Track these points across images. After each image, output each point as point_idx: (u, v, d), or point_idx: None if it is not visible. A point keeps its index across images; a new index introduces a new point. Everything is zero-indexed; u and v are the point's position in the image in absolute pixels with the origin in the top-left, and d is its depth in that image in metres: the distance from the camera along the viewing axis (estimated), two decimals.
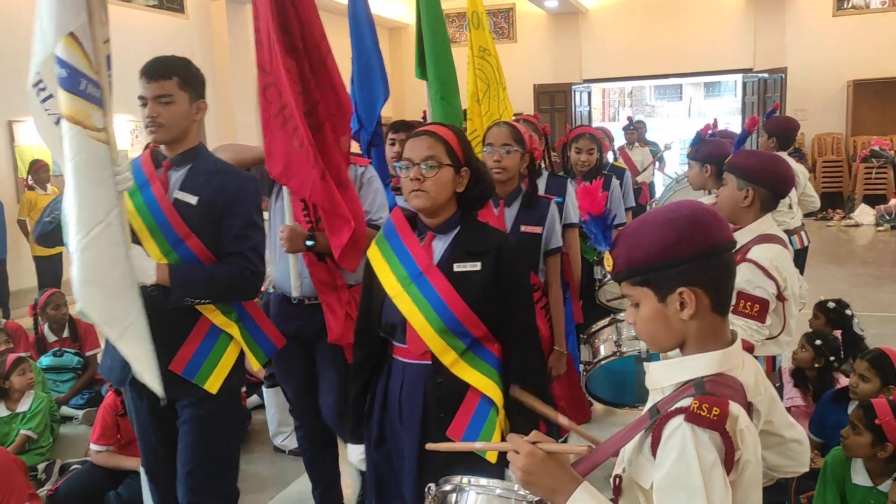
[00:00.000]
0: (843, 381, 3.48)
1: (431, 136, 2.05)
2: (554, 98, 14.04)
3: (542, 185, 3.22)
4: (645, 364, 1.43)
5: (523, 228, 2.85)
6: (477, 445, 1.65)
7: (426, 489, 1.62)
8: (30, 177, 7.63)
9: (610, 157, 5.42)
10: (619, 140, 9.49)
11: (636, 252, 1.35)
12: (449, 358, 2.03)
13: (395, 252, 2.12)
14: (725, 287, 1.36)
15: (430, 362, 2.05)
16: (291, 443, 4.08)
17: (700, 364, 1.33)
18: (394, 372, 2.14)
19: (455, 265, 2.06)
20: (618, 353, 2.81)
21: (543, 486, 1.34)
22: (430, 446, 1.60)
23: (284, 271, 2.88)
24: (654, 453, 1.28)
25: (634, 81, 18.98)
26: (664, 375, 1.38)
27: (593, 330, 3.08)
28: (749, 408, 1.31)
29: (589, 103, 14.69)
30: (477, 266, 2.06)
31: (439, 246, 2.11)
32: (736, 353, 1.36)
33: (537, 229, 2.86)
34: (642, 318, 1.38)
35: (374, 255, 2.16)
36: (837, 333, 4.01)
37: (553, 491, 1.33)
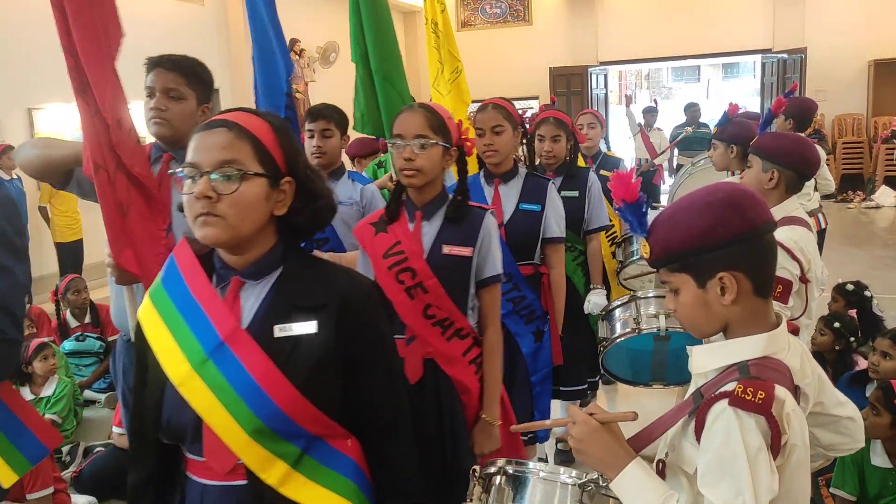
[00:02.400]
0: (862, 363, 3.46)
1: (229, 130, 1.37)
2: (570, 81, 13.94)
3: (514, 187, 2.89)
4: (688, 348, 1.42)
5: (446, 250, 2.16)
6: (547, 423, 1.93)
7: (471, 470, 1.61)
8: None
9: (602, 146, 4.92)
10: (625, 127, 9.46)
11: (674, 238, 1.34)
12: (275, 473, 1.34)
13: (179, 310, 1.39)
14: (767, 269, 1.34)
15: (244, 482, 1.35)
16: None
17: (745, 347, 1.32)
18: (188, 499, 1.42)
19: (276, 327, 1.37)
20: (636, 331, 2.81)
21: (595, 458, 1.35)
22: (513, 428, 1.60)
23: (120, 308, 2.33)
24: (697, 438, 1.27)
25: (651, 63, 18.81)
26: (708, 359, 1.37)
27: (612, 307, 3.08)
28: (796, 391, 1.29)
29: (605, 86, 14.57)
30: (310, 328, 1.38)
31: (250, 299, 1.41)
32: (781, 335, 1.34)
33: (465, 251, 2.16)
34: (682, 304, 1.36)
35: (148, 316, 1.42)
36: (852, 313, 3.98)
37: (604, 463, 1.34)
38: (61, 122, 8.22)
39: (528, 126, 3.19)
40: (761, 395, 1.20)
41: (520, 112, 3.00)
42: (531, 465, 1.55)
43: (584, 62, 13.90)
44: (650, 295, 2.92)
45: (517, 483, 1.53)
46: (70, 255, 7.50)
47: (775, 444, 1.21)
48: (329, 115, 2.95)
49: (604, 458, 1.34)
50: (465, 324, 2.17)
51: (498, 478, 1.56)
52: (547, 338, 2.91)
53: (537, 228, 2.86)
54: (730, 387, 1.24)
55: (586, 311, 3.38)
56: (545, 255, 2.94)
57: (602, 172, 4.07)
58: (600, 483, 1.41)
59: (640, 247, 3.74)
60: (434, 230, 2.19)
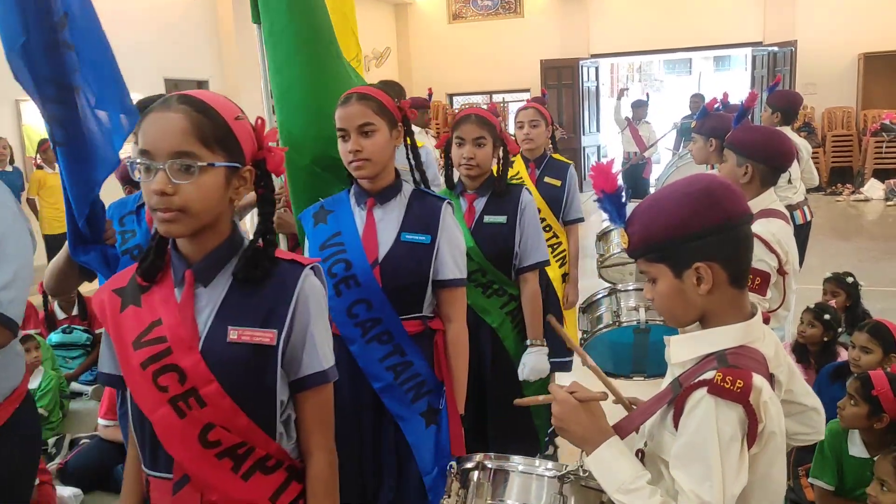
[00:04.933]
0: (844, 355, 3.49)
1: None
2: (561, 73, 13.92)
3: (395, 210, 2.15)
4: (666, 338, 1.44)
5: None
6: (541, 398, 1.51)
7: (448, 467, 1.61)
8: (38, 156, 7.66)
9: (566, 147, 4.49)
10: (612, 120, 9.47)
11: (651, 228, 1.36)
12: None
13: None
14: (743, 260, 1.36)
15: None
16: None
17: (722, 337, 1.34)
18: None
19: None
20: (616, 323, 2.82)
21: (574, 434, 1.39)
22: (517, 402, 1.57)
23: None
24: (676, 426, 1.29)
25: (643, 56, 18.81)
26: (685, 349, 1.39)
27: (593, 300, 3.09)
28: (771, 379, 1.31)
29: (597, 79, 14.56)
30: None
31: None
32: (757, 325, 1.36)
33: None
34: (660, 294, 1.38)
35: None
36: (835, 304, 4.01)
37: (583, 439, 1.37)
38: None
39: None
40: (740, 383, 1.22)
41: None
42: (509, 458, 1.56)
43: (575, 55, 13.89)
44: (630, 287, 2.94)
45: (495, 477, 1.53)
46: (58, 247, 7.43)
47: (752, 432, 1.24)
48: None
49: (583, 435, 1.37)
50: (272, 448, 1.40)
51: (476, 473, 1.56)
52: (444, 418, 2.17)
53: (426, 267, 2.09)
54: (709, 375, 1.26)
55: (521, 378, 2.71)
56: (439, 304, 2.17)
57: (547, 180, 3.64)
58: (580, 474, 1.42)
59: (620, 238, 3.75)
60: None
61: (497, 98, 14.70)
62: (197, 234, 1.35)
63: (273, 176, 1.46)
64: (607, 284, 3.50)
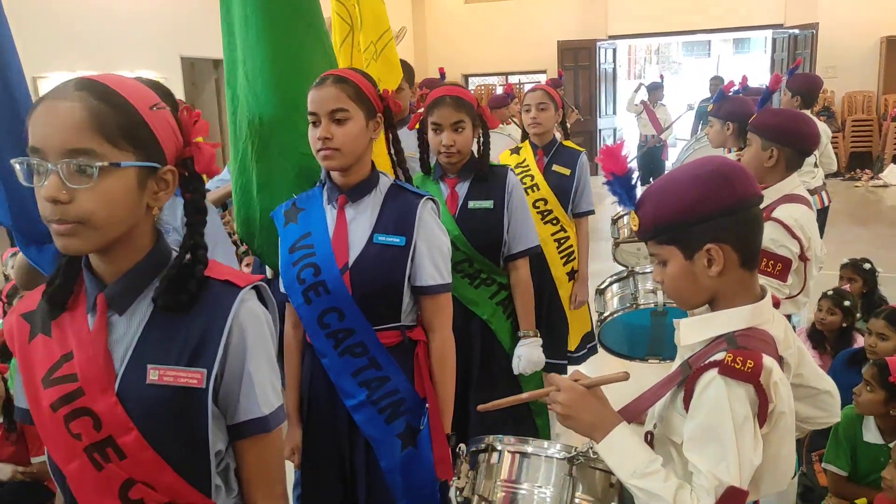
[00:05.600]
0: (861, 341, 3.46)
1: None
2: (578, 55, 13.78)
3: (367, 209, 1.95)
4: (675, 321, 1.44)
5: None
6: (524, 396, 1.54)
7: (457, 449, 1.63)
8: None
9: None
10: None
11: (662, 210, 1.35)
12: None
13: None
14: (753, 242, 1.36)
15: None
16: None
17: (731, 319, 1.34)
18: None
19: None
20: (633, 306, 2.81)
21: (582, 422, 1.37)
22: (480, 407, 1.52)
23: None
24: (686, 407, 1.30)
25: (662, 38, 18.60)
26: (695, 331, 1.39)
27: (609, 282, 3.06)
28: (780, 361, 1.32)
29: (614, 60, 14.41)
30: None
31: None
32: (766, 307, 1.37)
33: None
34: (670, 276, 1.38)
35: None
36: (851, 289, 3.97)
37: (592, 426, 1.36)
38: None
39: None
40: (750, 364, 1.22)
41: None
42: (519, 441, 1.56)
43: (592, 36, 13.74)
44: (647, 270, 2.92)
45: (506, 459, 1.54)
46: None
47: (762, 413, 1.24)
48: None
49: (592, 422, 1.36)
50: None
51: (485, 455, 1.56)
52: (425, 440, 1.94)
53: (400, 272, 1.90)
54: (719, 356, 1.26)
55: (516, 372, 2.56)
56: (421, 312, 2.00)
57: (556, 168, 3.46)
58: (590, 455, 1.42)
59: (631, 220, 3.69)
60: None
61: (513, 79, 14.60)
62: (107, 250, 1.12)
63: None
64: (621, 268, 3.48)
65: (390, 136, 2.07)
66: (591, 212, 3.50)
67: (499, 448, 1.53)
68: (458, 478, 1.55)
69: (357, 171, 1.92)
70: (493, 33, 14.19)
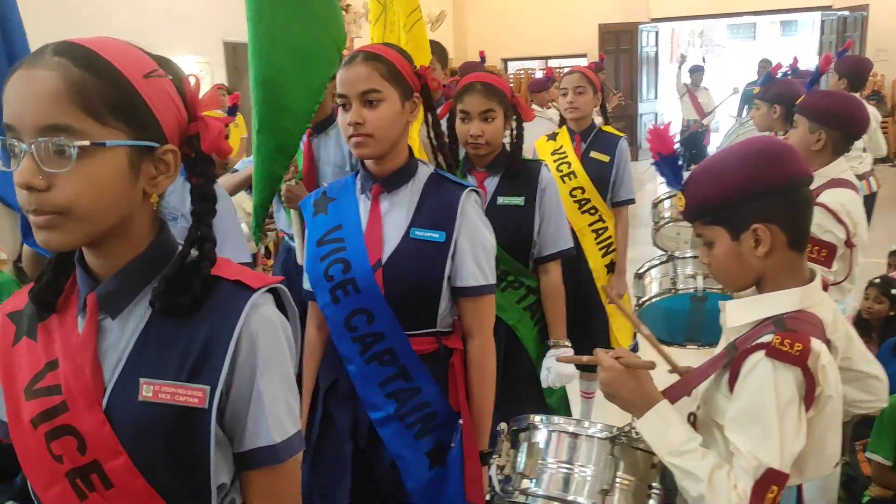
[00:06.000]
0: None
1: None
2: (620, 38, 13.60)
3: (404, 201, 1.78)
4: (721, 303, 1.43)
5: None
6: (585, 359, 1.52)
7: (497, 428, 1.63)
8: None
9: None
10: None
11: (708, 190, 1.35)
12: None
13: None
14: (802, 223, 1.35)
15: None
16: None
17: (779, 301, 1.33)
18: None
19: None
20: (672, 291, 2.78)
21: (623, 400, 1.40)
22: (560, 358, 1.68)
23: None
24: (731, 389, 1.30)
25: (706, 20, 18.23)
26: (742, 313, 1.38)
27: (647, 267, 3.05)
28: (828, 345, 1.31)
29: (656, 44, 14.20)
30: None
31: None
32: (816, 289, 1.35)
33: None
34: (716, 257, 1.37)
35: None
36: (894, 275, 3.89)
37: (632, 404, 1.38)
38: None
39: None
40: (798, 346, 1.22)
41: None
42: (560, 419, 1.57)
43: (634, 19, 13.54)
44: (687, 255, 2.90)
45: (546, 438, 1.55)
46: None
47: (809, 396, 1.24)
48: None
49: (632, 400, 1.38)
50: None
51: (527, 433, 1.58)
52: (456, 459, 1.75)
53: (439, 271, 1.73)
54: (766, 338, 1.26)
55: (544, 385, 2.38)
56: (460, 316, 1.82)
57: (594, 155, 3.30)
58: (632, 435, 1.43)
59: (676, 201, 3.64)
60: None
61: (553, 63, 14.48)
62: (98, 244, 0.97)
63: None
64: (661, 252, 3.45)
65: (429, 118, 1.90)
66: (632, 200, 3.36)
67: (540, 427, 1.55)
68: (499, 456, 1.57)
69: (392, 158, 1.74)
70: (533, 17, 14.07)
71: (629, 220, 3.39)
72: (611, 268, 3.32)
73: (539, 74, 13.32)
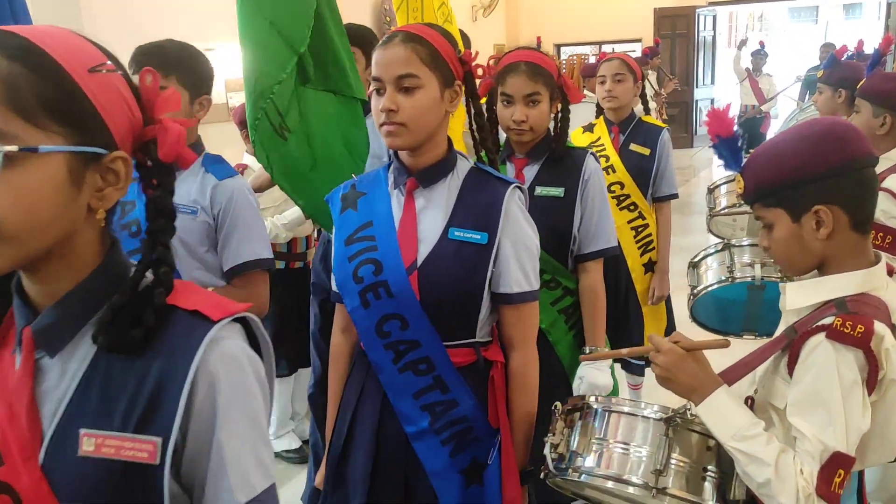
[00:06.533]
0: None
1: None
2: (676, 22, 13.34)
3: (441, 197, 1.63)
4: (781, 285, 1.42)
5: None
6: (624, 352, 1.61)
7: (553, 407, 1.62)
8: None
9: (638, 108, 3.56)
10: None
11: (768, 171, 1.34)
12: None
13: None
14: (866, 204, 1.33)
15: None
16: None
17: (841, 283, 1.31)
18: None
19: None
20: (729, 279, 2.74)
21: (681, 384, 1.38)
22: (583, 357, 1.69)
23: None
24: (790, 372, 1.28)
25: (766, 3, 17.75)
26: (802, 295, 1.37)
27: (702, 256, 3.01)
28: (893, 329, 1.29)
29: (714, 28, 13.89)
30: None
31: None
32: (880, 272, 1.33)
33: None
34: (776, 240, 1.36)
35: None
36: None
37: (691, 389, 1.37)
38: None
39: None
40: (860, 329, 1.20)
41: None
42: (615, 399, 1.58)
43: (691, 2, 13.26)
44: (745, 243, 2.84)
45: (601, 418, 1.56)
46: None
47: (872, 379, 1.22)
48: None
49: (691, 385, 1.37)
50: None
51: (581, 413, 1.59)
52: (493, 477, 1.64)
53: (480, 276, 1.59)
54: (827, 320, 1.24)
55: (576, 395, 2.00)
56: (501, 325, 1.69)
57: (633, 148, 3.15)
58: (687, 417, 1.43)
59: (736, 184, 3.53)
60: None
61: (606, 48, 14.28)
62: (33, 268, 0.84)
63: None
64: (717, 240, 3.39)
65: (472, 108, 1.72)
66: (674, 196, 3.21)
67: (595, 406, 1.56)
68: (553, 434, 1.58)
69: (429, 150, 1.59)
70: (587, 1, 13.89)
71: (672, 214, 3.25)
72: (650, 267, 3.20)
73: (592, 60, 13.19)
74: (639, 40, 13.26)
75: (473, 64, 1.63)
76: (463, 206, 1.60)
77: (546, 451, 1.57)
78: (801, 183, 1.30)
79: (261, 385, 0.90)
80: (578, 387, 2.13)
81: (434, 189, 1.61)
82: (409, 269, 1.56)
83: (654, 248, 3.19)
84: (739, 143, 1.49)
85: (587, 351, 2.19)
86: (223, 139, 2.51)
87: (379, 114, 1.52)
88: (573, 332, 2.23)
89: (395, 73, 1.50)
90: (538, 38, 6.02)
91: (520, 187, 1.64)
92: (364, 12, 9.48)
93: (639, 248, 3.17)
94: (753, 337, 2.90)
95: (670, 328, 3.41)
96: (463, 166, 1.65)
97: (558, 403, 1.62)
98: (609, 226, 2.22)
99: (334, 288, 1.70)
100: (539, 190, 2.17)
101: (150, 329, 0.84)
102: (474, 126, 1.74)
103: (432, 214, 1.60)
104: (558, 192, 2.16)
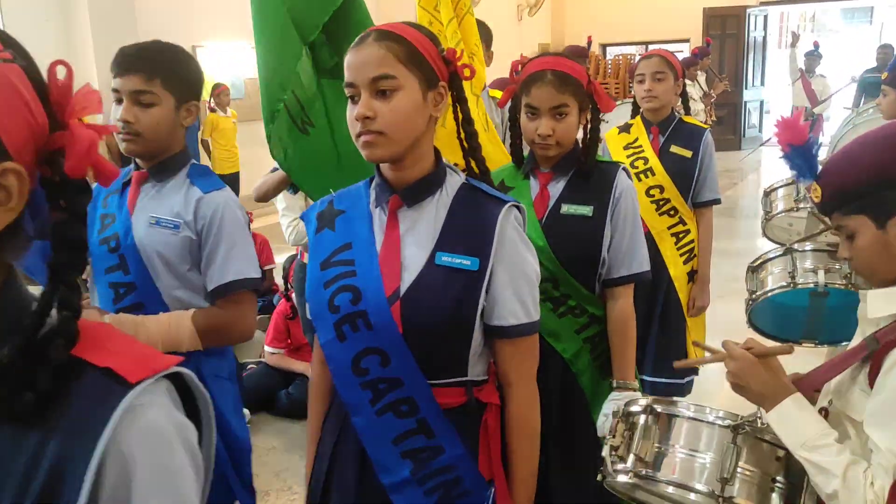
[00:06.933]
0: None
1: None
2: (726, 23, 13.14)
3: (428, 217, 1.44)
4: (862, 292, 1.37)
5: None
6: (707, 358, 1.54)
7: (613, 410, 1.58)
8: (212, 99, 8.19)
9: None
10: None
11: (849, 176, 1.29)
12: None
13: None
14: None
15: None
16: None
17: None
18: None
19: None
20: (791, 285, 2.67)
21: (753, 392, 1.36)
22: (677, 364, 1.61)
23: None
24: (871, 384, 1.24)
25: (819, 3, 17.36)
26: (886, 304, 1.31)
27: (762, 260, 2.94)
28: None
29: (765, 28, 13.64)
30: None
31: None
32: None
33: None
34: (860, 249, 1.31)
35: None
36: None
37: (762, 396, 1.35)
38: (220, 59, 8.71)
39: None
40: None
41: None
42: (678, 403, 1.54)
43: (742, 2, 13.05)
44: (807, 248, 2.77)
45: (664, 422, 1.52)
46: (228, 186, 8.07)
47: None
48: (136, 64, 1.78)
49: (763, 392, 1.34)
50: None
51: (643, 416, 1.55)
52: None
53: (470, 307, 1.39)
54: None
55: (600, 433, 1.95)
56: (496, 360, 1.50)
57: (674, 150, 2.97)
58: (757, 425, 1.39)
59: (812, 192, 3.43)
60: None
61: (654, 49, 14.12)
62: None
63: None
64: (772, 245, 3.30)
65: (459, 114, 1.51)
66: (717, 201, 3.07)
67: (658, 410, 1.52)
68: (613, 436, 1.55)
69: (414, 162, 1.41)
70: (635, 0, 13.75)
71: (716, 218, 3.13)
72: (693, 276, 3.06)
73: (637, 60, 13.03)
74: (686, 40, 13.09)
75: (459, 64, 1.44)
76: (452, 228, 1.41)
77: (605, 453, 1.54)
78: (885, 186, 1.25)
79: (192, 457, 0.72)
80: (603, 424, 1.93)
81: (420, 208, 1.43)
82: (391, 299, 1.38)
83: (696, 256, 3.05)
84: (815, 150, 1.44)
85: (613, 385, 1.99)
86: (259, 139, 2.49)
87: (354, 123, 1.34)
88: (597, 363, 2.04)
89: (369, 74, 1.32)
90: (589, 38, 5.94)
91: (517, 206, 1.45)
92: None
93: (681, 256, 3.03)
94: (813, 345, 2.82)
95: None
96: (453, 182, 1.46)
97: (619, 405, 1.59)
98: (641, 248, 2.01)
99: (308, 316, 1.51)
100: (565, 208, 1.98)
101: (43, 394, 0.65)
102: (462, 134, 1.53)
103: (418, 237, 1.42)
104: (586, 210, 1.96)
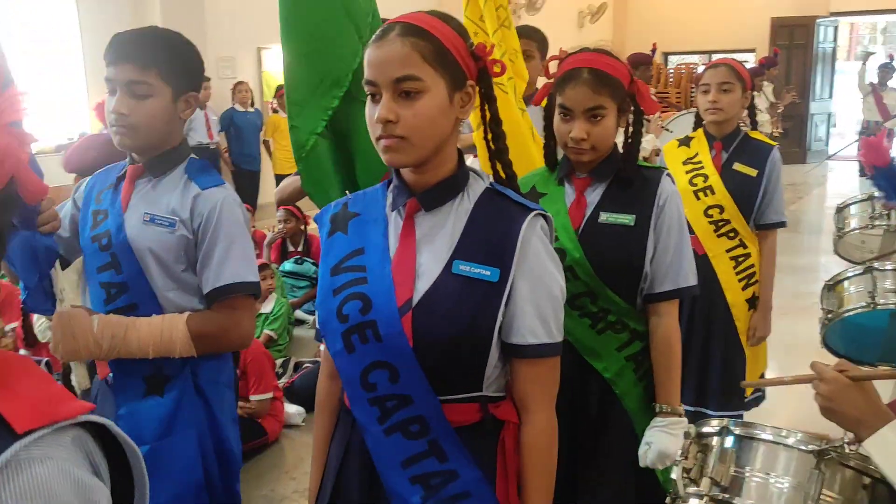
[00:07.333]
0: None
1: None
2: (794, 33, 12.80)
3: (447, 227, 1.34)
4: None
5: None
6: (787, 379, 1.46)
7: (685, 433, 1.52)
8: (275, 100, 8.34)
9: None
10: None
11: None
12: None
13: None
14: None
15: None
16: None
17: None
18: None
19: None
20: (871, 305, 2.57)
21: (846, 416, 1.30)
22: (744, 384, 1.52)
23: None
24: None
25: (892, 15, 16.81)
26: None
27: (840, 278, 2.83)
28: None
29: (834, 39, 13.27)
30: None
31: None
32: None
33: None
34: None
35: None
36: None
37: (857, 422, 1.28)
38: None
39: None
40: None
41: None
42: (755, 426, 1.49)
43: (811, 12, 12.69)
44: (888, 267, 2.66)
45: (741, 445, 1.46)
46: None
47: None
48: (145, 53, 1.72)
49: (858, 417, 1.28)
50: None
51: (718, 438, 1.51)
52: None
53: (488, 320, 1.29)
54: None
55: (642, 463, 1.80)
56: (513, 381, 1.38)
57: (738, 167, 2.79)
58: (844, 451, 1.33)
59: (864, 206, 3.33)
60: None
61: (718, 58, 13.86)
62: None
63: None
64: (838, 262, 3.18)
65: (487, 114, 1.40)
66: (782, 224, 2.86)
67: (735, 432, 1.47)
68: (686, 458, 1.51)
69: (436, 166, 1.31)
70: (698, 8, 13.52)
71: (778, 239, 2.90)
72: (752, 303, 2.88)
73: (701, 70, 12.81)
74: (752, 50, 12.80)
75: (489, 59, 1.32)
76: (472, 235, 1.31)
77: (675, 475, 1.50)
78: None
79: None
80: (646, 454, 1.80)
81: (439, 212, 1.33)
82: (403, 309, 1.28)
83: (756, 282, 2.88)
84: None
85: (656, 409, 1.85)
86: None
87: (374, 125, 1.25)
88: (643, 384, 1.89)
89: (392, 74, 1.22)
90: (653, 45, 5.83)
91: (544, 215, 1.34)
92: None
93: (740, 282, 2.84)
94: (892, 367, 2.72)
95: None
96: (476, 187, 1.36)
97: (692, 426, 1.54)
98: (687, 260, 1.86)
99: (317, 325, 1.42)
100: (604, 217, 1.83)
101: None
102: (489, 135, 1.41)
103: (435, 243, 1.32)
104: (628, 219, 1.81)
